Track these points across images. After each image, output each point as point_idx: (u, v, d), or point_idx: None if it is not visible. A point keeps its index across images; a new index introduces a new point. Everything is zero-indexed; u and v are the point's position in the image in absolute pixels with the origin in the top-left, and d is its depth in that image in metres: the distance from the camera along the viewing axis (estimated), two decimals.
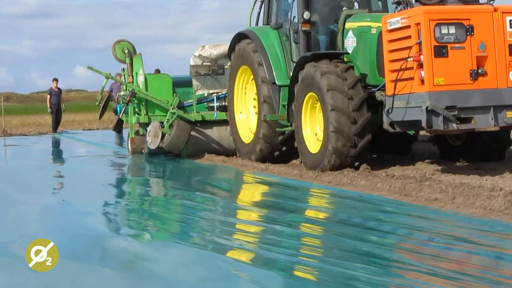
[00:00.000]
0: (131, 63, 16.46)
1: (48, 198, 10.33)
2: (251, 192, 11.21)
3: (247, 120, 14.26)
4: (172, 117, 15.12)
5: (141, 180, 13.02)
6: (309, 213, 8.65)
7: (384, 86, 10.71)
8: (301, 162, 12.33)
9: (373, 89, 11.23)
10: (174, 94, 15.66)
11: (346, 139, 10.91)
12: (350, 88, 11.02)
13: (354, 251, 6.22)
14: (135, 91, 15.78)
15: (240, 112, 14.33)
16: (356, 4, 13.03)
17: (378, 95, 10.99)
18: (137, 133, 16.36)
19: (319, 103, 11.44)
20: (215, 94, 15.85)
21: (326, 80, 11.08)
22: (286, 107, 12.42)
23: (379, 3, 12.97)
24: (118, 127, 17.18)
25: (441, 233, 6.88)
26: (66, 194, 10.97)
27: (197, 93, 15.93)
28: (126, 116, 16.62)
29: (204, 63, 15.84)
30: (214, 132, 15.43)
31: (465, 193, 8.48)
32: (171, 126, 14.95)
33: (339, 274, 5.46)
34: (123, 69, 16.82)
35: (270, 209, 8.88)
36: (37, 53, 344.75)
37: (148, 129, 15.32)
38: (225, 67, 15.33)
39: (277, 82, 12.95)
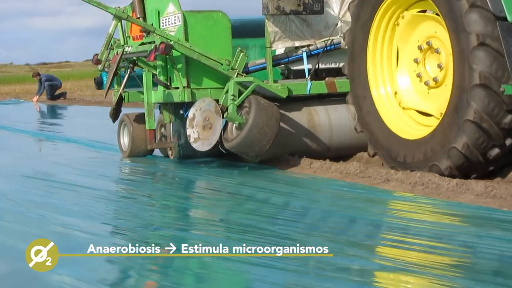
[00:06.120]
0: None
1: None
2: None
3: (401, 98, 8.16)
4: (242, 90, 8.68)
5: None
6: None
7: None
8: None
9: None
10: (239, 49, 8.92)
11: None
12: None
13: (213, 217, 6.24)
14: (172, 43, 8.88)
15: (383, 83, 8.33)
16: None
17: None
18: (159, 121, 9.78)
19: None
20: (306, 48, 9.52)
21: None
22: None
23: None
24: (117, 110, 10.06)
25: (298, 197, 7.02)
26: None
27: (272, 48, 9.34)
28: (126, 92, 10.21)
29: None
30: (306, 119, 9.12)
31: (322, 159, 8.68)
32: (241, 107, 8.68)
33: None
34: (120, 8, 9.80)
35: None
36: None
37: (190, 114, 8.79)
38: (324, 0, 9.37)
39: (509, 18, 6.92)
